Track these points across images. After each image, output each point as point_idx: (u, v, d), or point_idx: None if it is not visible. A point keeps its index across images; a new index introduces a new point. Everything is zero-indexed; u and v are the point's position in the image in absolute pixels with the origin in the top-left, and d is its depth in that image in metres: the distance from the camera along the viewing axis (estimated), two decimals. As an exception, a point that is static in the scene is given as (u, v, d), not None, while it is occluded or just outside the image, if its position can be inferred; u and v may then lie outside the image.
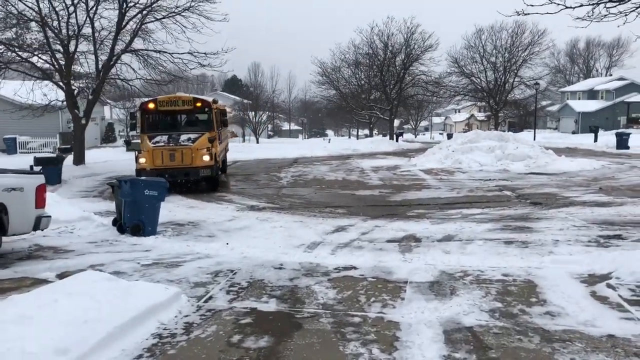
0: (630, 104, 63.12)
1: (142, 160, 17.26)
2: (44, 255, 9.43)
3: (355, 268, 8.41)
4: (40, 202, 8.78)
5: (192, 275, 8.02)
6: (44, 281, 7.61)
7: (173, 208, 14.51)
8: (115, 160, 30.01)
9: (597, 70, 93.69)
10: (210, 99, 19.52)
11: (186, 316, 6.21)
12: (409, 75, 51.12)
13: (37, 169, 18.00)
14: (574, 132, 65.12)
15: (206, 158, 17.38)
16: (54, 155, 24.65)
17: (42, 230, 9.52)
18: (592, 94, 73.18)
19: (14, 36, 22.83)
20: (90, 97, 24.60)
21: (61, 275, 7.87)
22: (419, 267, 8.34)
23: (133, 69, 25.04)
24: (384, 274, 7.99)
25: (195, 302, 6.75)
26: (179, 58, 25.46)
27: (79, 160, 24.94)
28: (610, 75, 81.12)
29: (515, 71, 58.12)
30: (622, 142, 33.10)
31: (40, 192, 8.77)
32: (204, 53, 25.71)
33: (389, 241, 10.38)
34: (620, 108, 66.14)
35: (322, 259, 9.08)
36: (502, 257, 8.91)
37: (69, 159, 24.52)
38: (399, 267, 8.37)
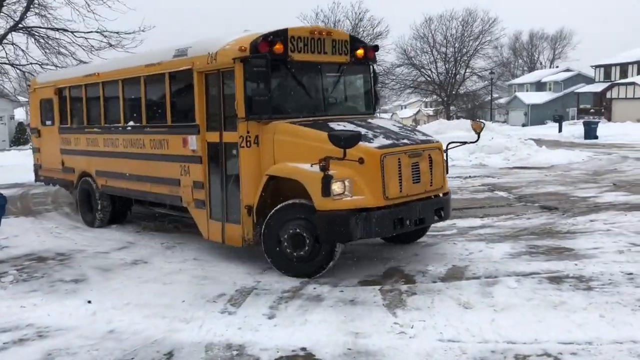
0: (580, 94, 61.83)
1: (336, 187, 6.19)
2: None
3: (312, 357, 4.39)
4: None
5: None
6: None
7: (45, 230, 10.10)
8: (10, 165, 24.60)
9: (541, 63, 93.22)
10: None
11: None
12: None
13: None
14: (523, 125, 63.23)
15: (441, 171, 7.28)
16: None
17: None
18: (539, 86, 71.87)
19: None
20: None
21: None
22: (434, 351, 4.40)
23: (23, 51, 20.12)
24: (372, 380, 3.99)
25: None
26: (84, 37, 20.68)
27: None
28: (557, 67, 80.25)
29: (467, 62, 55.52)
30: (590, 131, 30.40)
31: None
32: (116, 32, 21.02)
33: (363, 282, 6.42)
34: (570, 99, 64.85)
35: (252, 333, 5.03)
36: (566, 316, 5.10)
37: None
38: (396, 352, 4.41)
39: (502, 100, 76.81)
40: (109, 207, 10.11)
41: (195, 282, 6.71)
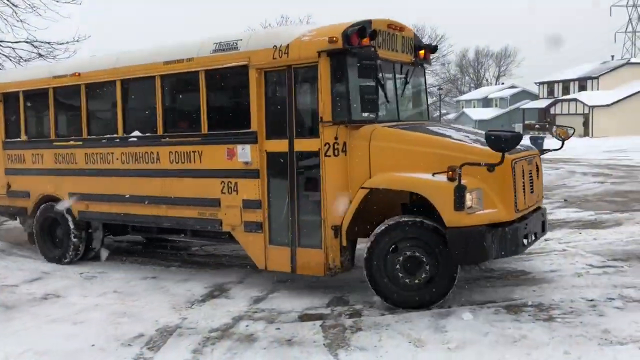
0: (525, 110, 63.44)
1: (468, 200, 5.34)
2: None
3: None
4: None
5: None
6: None
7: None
8: None
9: (487, 80, 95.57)
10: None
11: None
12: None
13: None
14: (472, 140, 64.36)
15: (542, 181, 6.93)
16: None
17: None
18: (486, 102, 73.49)
19: None
20: None
21: None
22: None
23: None
24: None
25: None
26: (11, 48, 19.36)
27: None
28: (502, 84, 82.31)
29: (416, 78, 56.08)
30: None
31: None
32: (48, 42, 19.76)
33: (303, 316, 5.71)
34: (515, 115, 66.47)
35: (167, 387, 4.23)
36: (528, 354, 4.55)
37: None
38: (337, 412, 3.71)
39: (450, 116, 78.06)
40: (85, 237, 8.28)
41: (111, 321, 5.85)
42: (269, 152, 6.36)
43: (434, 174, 5.47)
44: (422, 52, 7.08)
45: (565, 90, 55.32)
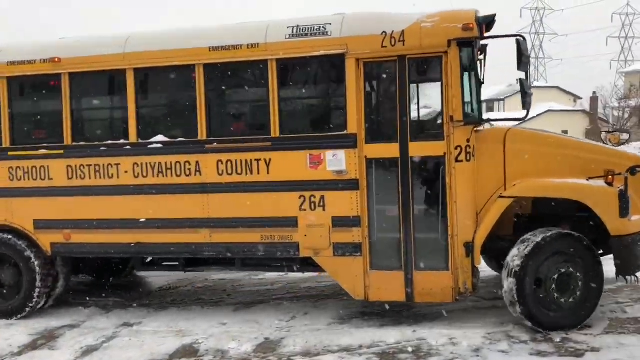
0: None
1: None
2: None
3: None
4: None
5: None
6: None
7: None
8: None
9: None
10: None
11: None
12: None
13: None
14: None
15: None
16: None
17: None
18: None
19: None
20: None
21: None
22: None
23: None
24: None
25: None
26: None
27: None
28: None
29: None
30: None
31: None
32: None
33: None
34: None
35: None
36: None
37: None
38: None
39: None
40: (53, 280, 6.28)
41: None
42: (371, 159, 5.42)
43: (588, 179, 5.15)
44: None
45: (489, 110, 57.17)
